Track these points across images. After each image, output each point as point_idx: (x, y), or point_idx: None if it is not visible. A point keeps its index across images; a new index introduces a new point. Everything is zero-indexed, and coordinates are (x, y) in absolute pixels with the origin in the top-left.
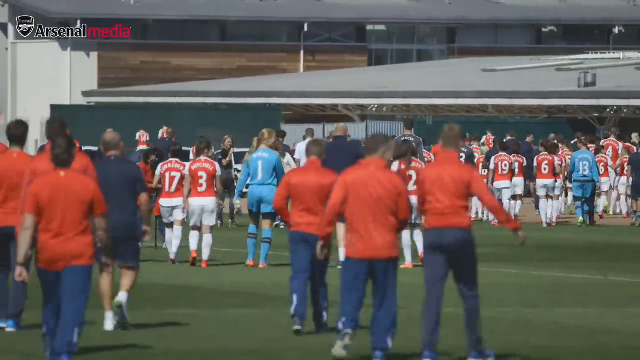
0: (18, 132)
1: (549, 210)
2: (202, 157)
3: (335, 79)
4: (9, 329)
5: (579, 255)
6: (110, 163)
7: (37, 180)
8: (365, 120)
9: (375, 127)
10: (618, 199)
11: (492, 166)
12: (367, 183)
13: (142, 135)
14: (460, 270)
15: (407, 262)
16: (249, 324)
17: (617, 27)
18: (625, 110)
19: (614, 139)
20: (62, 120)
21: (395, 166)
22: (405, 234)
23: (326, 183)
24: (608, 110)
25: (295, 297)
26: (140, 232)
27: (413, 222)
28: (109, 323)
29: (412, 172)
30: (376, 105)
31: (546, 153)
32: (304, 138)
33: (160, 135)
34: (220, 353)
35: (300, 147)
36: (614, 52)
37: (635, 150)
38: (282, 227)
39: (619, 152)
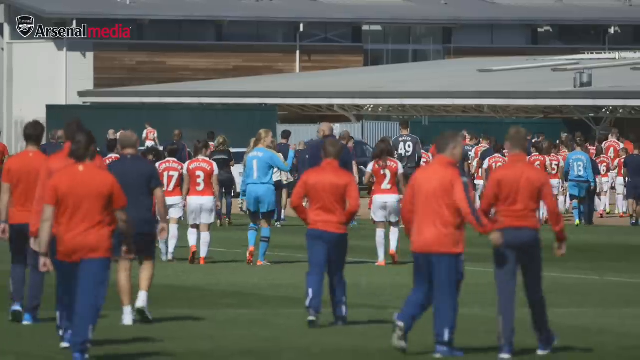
0: (35, 132)
1: (540, 210)
2: (200, 157)
3: (331, 79)
4: (26, 322)
5: (575, 256)
6: (126, 161)
7: (58, 173)
8: (361, 120)
9: (371, 127)
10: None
11: (485, 166)
12: (427, 180)
13: (149, 132)
14: (529, 269)
15: (380, 259)
16: (245, 324)
17: (613, 28)
18: (621, 111)
19: (615, 140)
20: (79, 121)
21: (370, 166)
22: (380, 232)
23: (341, 183)
24: (604, 110)
25: (310, 291)
26: (156, 232)
27: (388, 220)
28: (128, 318)
29: (387, 172)
30: (372, 106)
31: (537, 154)
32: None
33: (144, 135)
34: (216, 353)
35: None
36: (609, 53)
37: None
38: (278, 226)
39: (620, 152)
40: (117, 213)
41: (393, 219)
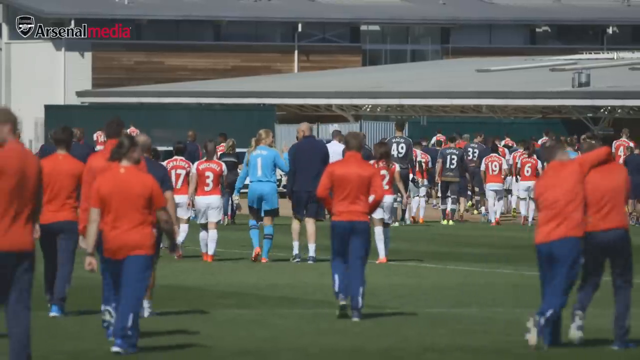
0: (64, 136)
1: (530, 211)
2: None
3: (330, 79)
4: (53, 314)
5: None
6: None
7: (100, 177)
8: (360, 120)
9: (369, 128)
10: None
11: (482, 167)
12: (554, 184)
13: (99, 136)
14: (619, 264)
15: (381, 256)
16: (243, 324)
17: (611, 27)
18: (619, 111)
19: (625, 139)
20: (119, 120)
21: None
22: (378, 229)
23: (366, 174)
24: (602, 110)
25: (336, 277)
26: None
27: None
28: (146, 311)
29: (387, 173)
30: (370, 106)
31: (528, 156)
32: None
33: None
34: (214, 353)
35: (330, 149)
36: (608, 52)
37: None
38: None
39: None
40: (158, 213)
41: (387, 219)
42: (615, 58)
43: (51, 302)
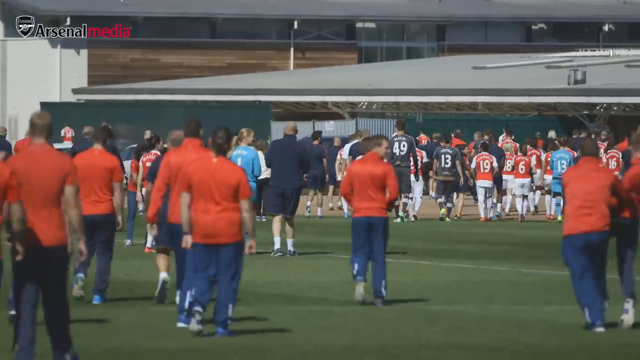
0: (102, 134)
1: (524, 207)
2: None
3: (325, 76)
4: (95, 302)
5: None
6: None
7: (192, 164)
8: (355, 117)
9: (365, 125)
10: None
11: (473, 165)
12: (584, 177)
13: (67, 131)
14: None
15: None
16: (239, 321)
17: (607, 25)
18: (615, 108)
19: None
20: (197, 120)
21: None
22: None
23: (378, 172)
24: (598, 107)
25: (356, 264)
26: None
27: None
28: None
29: None
30: (366, 103)
31: (522, 154)
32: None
33: (62, 134)
34: (211, 350)
35: (347, 148)
36: (603, 50)
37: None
38: (263, 219)
39: None
40: (241, 203)
41: None
42: (611, 55)
43: (94, 291)
